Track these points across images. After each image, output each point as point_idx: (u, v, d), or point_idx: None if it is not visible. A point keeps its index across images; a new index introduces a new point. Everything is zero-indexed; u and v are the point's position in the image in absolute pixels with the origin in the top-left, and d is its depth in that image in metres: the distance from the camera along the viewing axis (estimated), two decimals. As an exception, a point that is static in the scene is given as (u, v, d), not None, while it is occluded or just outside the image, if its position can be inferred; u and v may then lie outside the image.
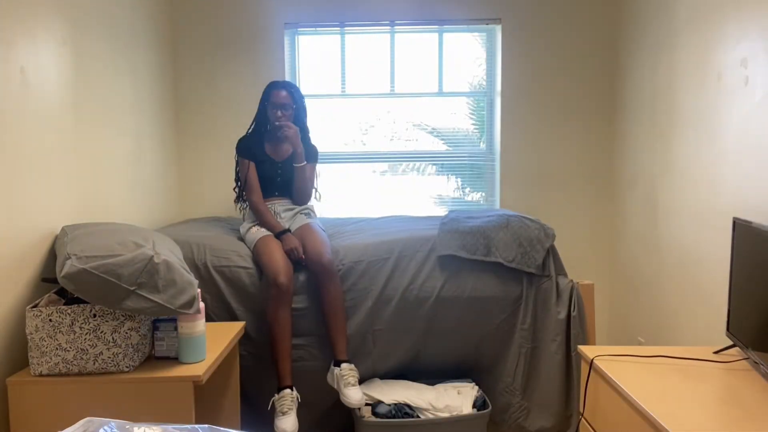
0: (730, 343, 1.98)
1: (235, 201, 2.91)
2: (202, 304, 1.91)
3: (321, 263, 2.50)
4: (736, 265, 1.94)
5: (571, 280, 2.68)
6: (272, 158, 2.83)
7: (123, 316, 1.81)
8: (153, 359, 1.93)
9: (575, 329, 2.60)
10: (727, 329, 1.98)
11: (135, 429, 0.95)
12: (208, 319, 2.34)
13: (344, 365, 2.46)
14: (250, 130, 2.89)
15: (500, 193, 3.68)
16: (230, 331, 2.29)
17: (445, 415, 2.48)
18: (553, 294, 2.64)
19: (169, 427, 0.96)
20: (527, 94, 3.62)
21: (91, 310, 1.78)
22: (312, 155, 2.90)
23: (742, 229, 1.90)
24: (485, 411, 2.53)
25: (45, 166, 2.14)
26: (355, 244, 2.71)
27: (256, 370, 2.57)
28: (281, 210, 2.81)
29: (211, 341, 2.09)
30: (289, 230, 2.68)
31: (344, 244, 2.72)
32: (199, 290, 1.89)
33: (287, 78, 3.61)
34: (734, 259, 1.95)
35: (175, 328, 1.90)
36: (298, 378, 2.59)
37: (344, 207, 3.72)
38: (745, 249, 1.88)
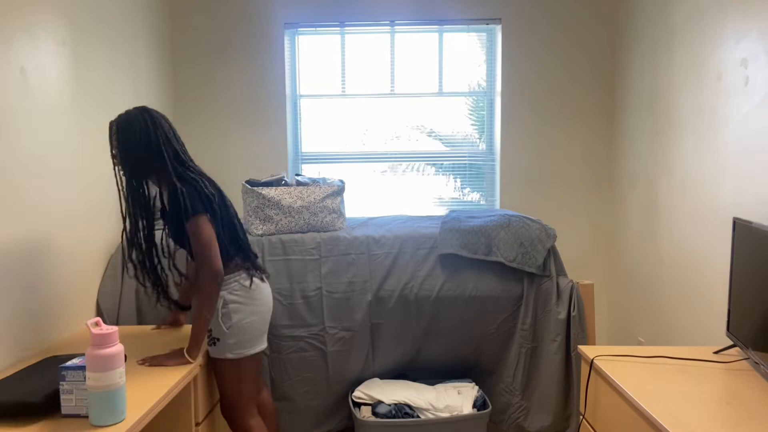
0: (730, 343, 1.98)
1: None
2: (120, 347, 1.48)
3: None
4: (736, 265, 1.94)
5: (571, 280, 2.68)
6: None
7: None
8: (59, 417, 1.50)
9: (575, 329, 2.60)
10: (727, 329, 1.98)
11: None
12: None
13: None
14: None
15: (500, 193, 3.68)
16: (178, 369, 1.87)
17: (445, 415, 2.48)
18: (554, 294, 2.64)
19: None
20: (527, 94, 3.62)
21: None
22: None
23: (742, 229, 1.90)
24: (485, 411, 2.53)
25: (44, 166, 2.14)
26: (356, 237, 2.71)
27: None
28: None
29: (147, 386, 1.69)
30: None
31: (347, 236, 2.72)
32: (116, 328, 1.48)
33: (287, 78, 3.61)
34: (734, 259, 1.95)
35: (85, 378, 1.46)
36: (298, 371, 2.60)
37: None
38: (745, 249, 1.88)
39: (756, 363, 1.78)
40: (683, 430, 1.42)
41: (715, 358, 1.95)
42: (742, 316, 1.89)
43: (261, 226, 2.72)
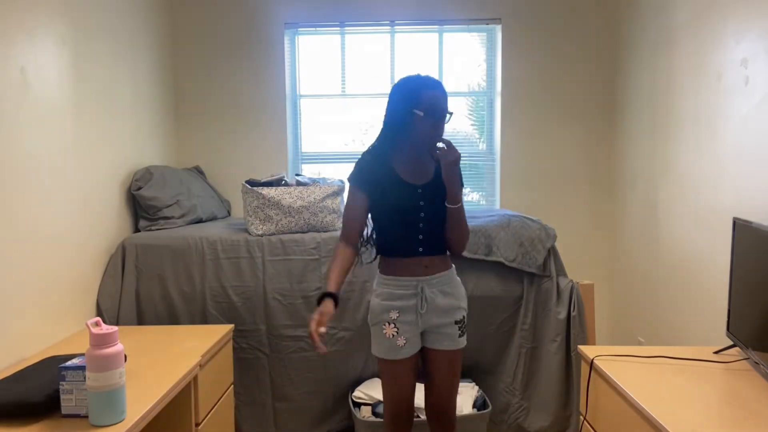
0: (730, 343, 1.98)
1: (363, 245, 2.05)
2: (120, 346, 1.47)
3: (443, 418, 2.08)
4: (736, 265, 1.94)
5: (571, 280, 2.68)
6: (413, 184, 1.93)
7: None
8: (59, 417, 1.50)
9: (575, 329, 2.60)
10: (728, 329, 1.98)
11: None
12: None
13: None
14: (374, 145, 1.99)
15: (500, 193, 3.68)
16: (178, 368, 1.87)
17: (445, 415, 2.47)
18: (554, 294, 2.65)
19: None
20: (527, 94, 3.62)
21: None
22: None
23: (742, 229, 1.90)
24: (485, 411, 2.53)
25: (44, 166, 2.14)
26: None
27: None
28: (432, 284, 1.96)
29: (147, 386, 1.69)
30: (332, 296, 1.82)
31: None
32: (116, 328, 1.48)
33: (287, 78, 3.61)
34: (734, 259, 1.95)
35: (85, 378, 1.45)
36: (298, 371, 2.61)
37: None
38: (745, 249, 1.87)
39: (756, 363, 1.78)
40: (683, 430, 1.42)
41: (715, 358, 1.94)
42: (742, 316, 1.89)
43: (261, 226, 2.72)
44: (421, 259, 1.93)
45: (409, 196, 1.91)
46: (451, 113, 1.90)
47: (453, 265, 2.04)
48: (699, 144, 2.63)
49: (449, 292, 1.98)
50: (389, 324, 1.94)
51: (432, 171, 1.96)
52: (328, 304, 1.79)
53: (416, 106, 1.85)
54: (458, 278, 2.04)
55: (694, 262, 2.67)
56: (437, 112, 1.86)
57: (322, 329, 1.74)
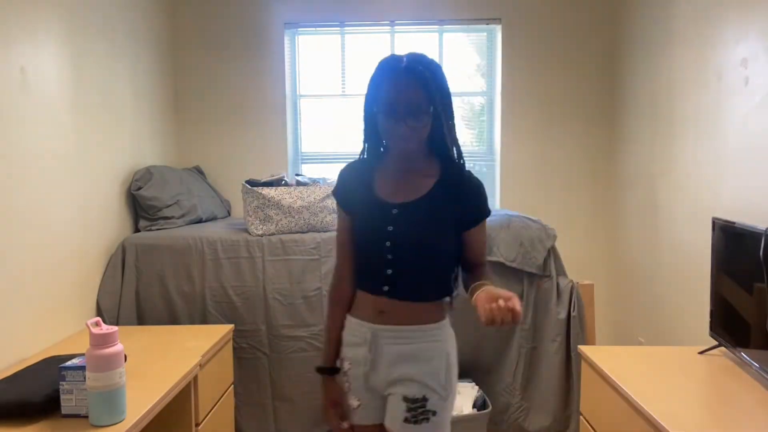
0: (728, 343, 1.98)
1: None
2: (120, 346, 1.47)
3: None
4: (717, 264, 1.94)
5: (571, 280, 2.68)
6: (388, 203, 1.46)
7: None
8: (59, 417, 1.50)
9: (575, 329, 2.60)
10: (710, 329, 1.98)
11: None
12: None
13: None
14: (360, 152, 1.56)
15: (500, 193, 3.68)
16: (178, 368, 1.87)
17: (445, 415, 2.47)
18: (554, 294, 2.64)
19: None
20: (527, 94, 3.62)
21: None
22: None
23: (721, 229, 1.90)
24: (485, 411, 2.53)
25: (44, 166, 2.14)
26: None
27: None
28: (385, 337, 1.45)
29: (147, 386, 1.69)
30: (336, 370, 1.54)
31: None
32: (116, 328, 1.47)
33: (287, 78, 3.61)
34: (714, 259, 1.95)
35: (85, 378, 1.45)
36: (298, 371, 2.60)
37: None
38: (726, 248, 1.87)
39: (753, 362, 1.78)
40: (682, 429, 1.42)
41: (716, 357, 1.94)
42: (728, 316, 1.89)
43: (261, 226, 2.72)
44: (380, 300, 1.44)
45: (378, 216, 1.44)
46: (425, 109, 1.37)
47: (440, 322, 1.46)
48: (699, 144, 2.63)
49: (410, 355, 1.42)
50: (343, 374, 1.52)
51: (426, 186, 1.46)
52: (333, 388, 1.51)
53: (377, 101, 1.43)
54: (444, 345, 1.45)
55: (693, 261, 2.67)
56: (393, 108, 1.38)
57: (345, 425, 1.48)
